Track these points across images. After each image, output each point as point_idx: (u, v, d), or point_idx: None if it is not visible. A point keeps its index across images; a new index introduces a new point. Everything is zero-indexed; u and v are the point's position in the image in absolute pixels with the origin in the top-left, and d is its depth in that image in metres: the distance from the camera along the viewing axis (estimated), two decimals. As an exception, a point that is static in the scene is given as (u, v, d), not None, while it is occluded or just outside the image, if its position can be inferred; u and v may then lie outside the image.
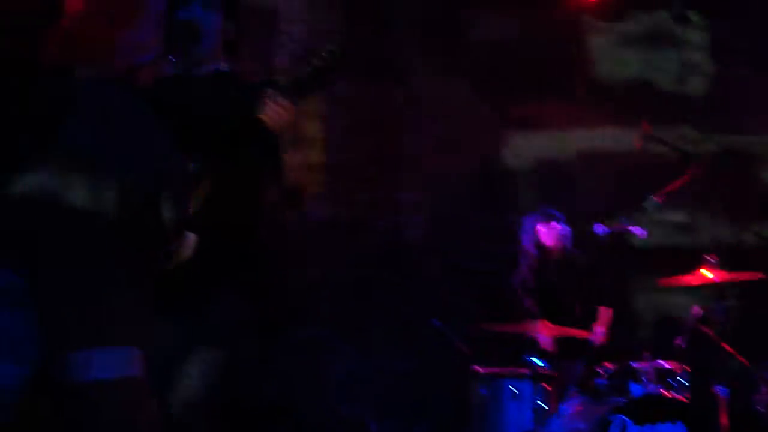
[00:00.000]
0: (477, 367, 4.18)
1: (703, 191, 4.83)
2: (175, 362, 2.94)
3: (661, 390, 3.80)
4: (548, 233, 4.50)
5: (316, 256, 5.05)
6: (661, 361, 3.91)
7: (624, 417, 3.67)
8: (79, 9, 4.83)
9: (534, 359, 4.09)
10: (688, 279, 4.04)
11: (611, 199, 4.99)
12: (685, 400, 3.78)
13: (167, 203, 1.98)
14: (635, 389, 3.83)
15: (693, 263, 4.05)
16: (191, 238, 2.89)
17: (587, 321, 4.38)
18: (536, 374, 4.04)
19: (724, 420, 3.88)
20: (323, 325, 5.04)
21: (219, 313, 2.97)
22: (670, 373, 3.87)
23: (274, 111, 2.78)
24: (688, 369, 3.90)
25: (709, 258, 3.99)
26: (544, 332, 4.24)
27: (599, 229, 4.12)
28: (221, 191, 2.96)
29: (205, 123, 2.99)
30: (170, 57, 3.00)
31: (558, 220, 4.49)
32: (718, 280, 3.96)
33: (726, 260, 4.05)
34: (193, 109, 3.02)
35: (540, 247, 4.52)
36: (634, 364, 3.90)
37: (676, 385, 3.83)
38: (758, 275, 4.01)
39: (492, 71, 5.23)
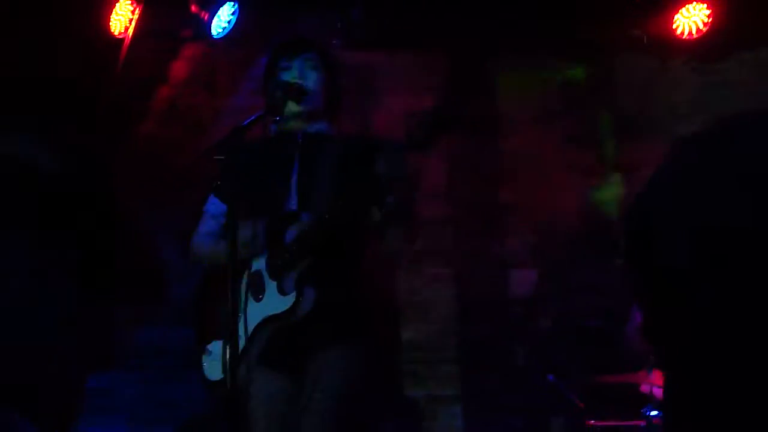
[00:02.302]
0: (592, 422, 4.11)
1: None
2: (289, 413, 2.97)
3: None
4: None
5: (422, 311, 5.04)
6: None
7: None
8: (182, 78, 5.01)
9: (650, 411, 4.00)
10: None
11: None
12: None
13: None
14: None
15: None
16: (312, 290, 2.96)
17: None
18: (652, 426, 3.94)
19: None
20: (431, 385, 5.01)
21: (343, 368, 2.99)
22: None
23: (396, 168, 2.81)
24: None
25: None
26: (660, 383, 4.12)
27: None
28: (338, 247, 3.02)
29: (327, 179, 3.06)
30: (276, 117, 3.07)
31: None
32: None
33: None
34: (313, 166, 3.10)
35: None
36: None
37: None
38: None
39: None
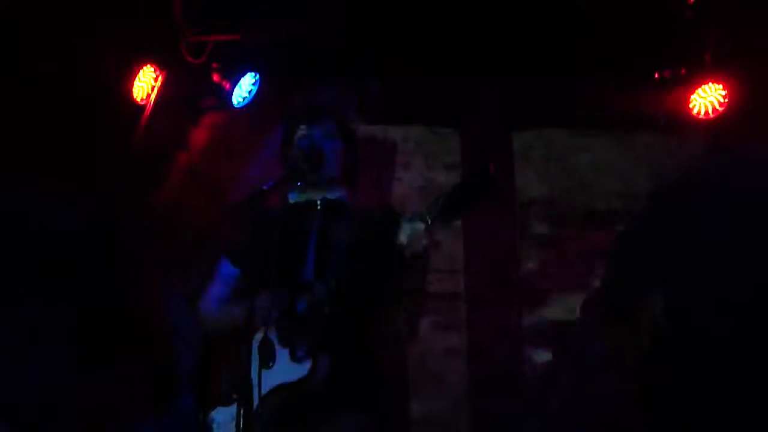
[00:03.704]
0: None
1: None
2: None
3: None
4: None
5: (434, 384, 4.99)
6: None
7: None
8: (202, 145, 5.05)
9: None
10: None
11: None
12: None
13: None
14: None
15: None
16: (326, 359, 2.93)
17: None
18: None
19: None
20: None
21: None
22: None
23: (413, 239, 2.80)
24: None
25: None
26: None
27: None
28: (351, 316, 3.00)
29: (343, 249, 3.05)
30: (297, 183, 3.08)
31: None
32: None
33: None
34: (330, 235, 3.10)
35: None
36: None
37: None
38: None
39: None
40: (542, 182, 5.26)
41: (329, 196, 3.21)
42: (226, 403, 2.93)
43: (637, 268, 1.52)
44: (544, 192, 5.25)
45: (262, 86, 4.79)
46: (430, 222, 2.78)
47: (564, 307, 5.10)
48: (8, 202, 1.04)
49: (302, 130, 3.19)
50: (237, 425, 2.71)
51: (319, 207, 3.18)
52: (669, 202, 1.62)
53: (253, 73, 4.77)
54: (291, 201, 3.22)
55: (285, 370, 2.95)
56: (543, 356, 5.07)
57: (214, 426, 2.98)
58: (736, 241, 1.42)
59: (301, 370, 2.92)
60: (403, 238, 2.80)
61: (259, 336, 2.94)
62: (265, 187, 2.88)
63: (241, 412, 2.66)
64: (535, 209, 5.23)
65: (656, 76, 4.89)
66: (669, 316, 1.36)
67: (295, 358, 2.95)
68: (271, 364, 2.96)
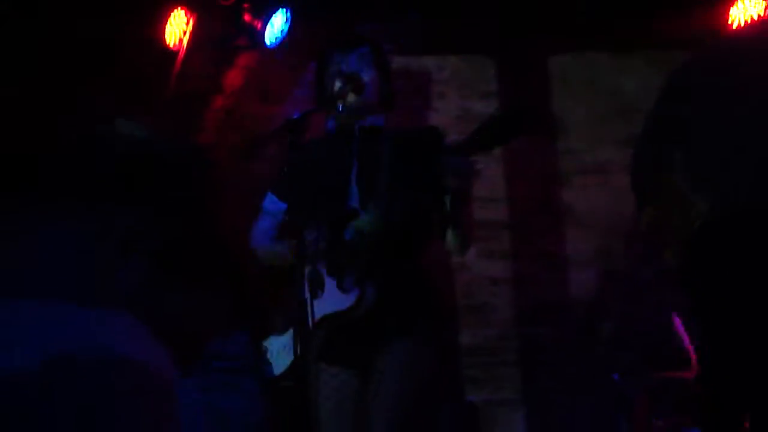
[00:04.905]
0: (659, 421, 4.03)
1: None
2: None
3: None
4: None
5: (480, 314, 5.00)
6: None
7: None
8: (236, 87, 5.04)
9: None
10: None
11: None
12: None
13: None
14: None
15: None
16: (372, 287, 2.95)
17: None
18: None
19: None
20: (490, 390, 4.97)
21: (407, 363, 2.97)
22: None
23: (459, 169, 2.78)
24: None
25: None
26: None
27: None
28: (398, 244, 3.01)
29: (386, 175, 3.05)
30: (338, 108, 3.07)
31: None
32: None
33: None
34: (371, 161, 3.09)
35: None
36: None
37: None
38: None
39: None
40: (581, 106, 5.19)
41: (366, 122, 3.19)
42: (280, 332, 2.96)
43: (657, 132, 1.53)
44: (584, 115, 5.19)
45: (294, 24, 4.75)
46: (472, 150, 2.76)
47: (608, 232, 5.07)
48: (100, 125, 1.07)
49: (339, 56, 3.16)
50: (294, 351, 2.74)
51: (357, 134, 3.17)
52: (685, 74, 1.63)
53: (284, 11, 4.73)
54: (329, 129, 3.21)
55: (334, 299, 2.97)
56: (589, 282, 5.06)
57: (268, 354, 3.02)
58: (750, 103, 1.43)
59: (349, 299, 2.94)
60: (445, 172, 2.78)
61: (309, 267, 2.96)
62: (296, 116, 2.85)
63: (297, 339, 2.68)
64: (574, 133, 5.18)
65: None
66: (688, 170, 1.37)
67: (342, 288, 2.96)
68: (320, 293, 2.99)
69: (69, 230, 0.98)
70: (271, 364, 3.01)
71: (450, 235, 3.04)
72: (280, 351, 2.94)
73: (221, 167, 4.88)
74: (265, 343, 3.06)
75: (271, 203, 3.23)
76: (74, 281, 0.96)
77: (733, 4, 4.78)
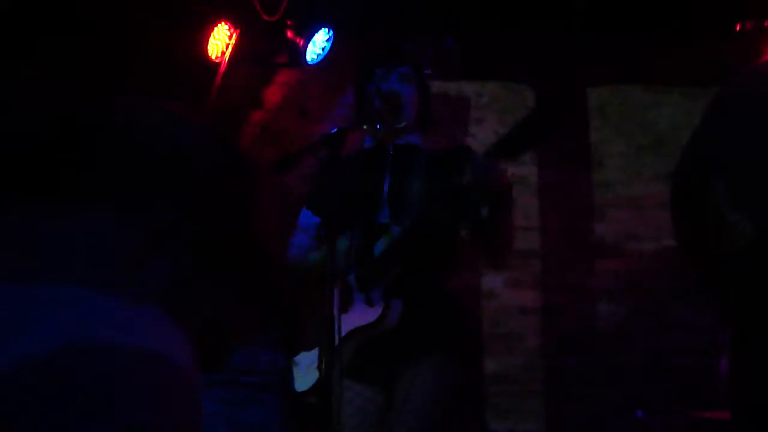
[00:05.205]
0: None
1: None
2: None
3: None
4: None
5: (507, 342, 4.98)
6: None
7: None
8: (275, 103, 5.07)
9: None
10: None
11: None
12: None
13: None
14: None
15: None
16: (399, 303, 2.93)
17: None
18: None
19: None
20: (515, 419, 4.93)
21: (432, 382, 2.95)
22: None
23: (484, 175, 2.76)
24: None
25: None
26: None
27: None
28: (426, 259, 3.00)
29: (417, 190, 3.05)
30: (376, 126, 3.08)
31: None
32: None
33: None
34: (404, 177, 3.09)
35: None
36: None
37: None
38: None
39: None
40: (619, 139, 5.18)
41: (402, 140, 3.20)
42: (309, 348, 2.96)
43: (699, 160, 1.52)
44: (621, 149, 5.17)
45: (335, 43, 4.79)
46: (497, 155, 2.75)
47: (640, 267, 5.03)
48: (139, 115, 1.06)
49: (380, 72, 3.17)
50: (318, 368, 2.73)
51: (391, 151, 3.18)
52: (725, 101, 1.63)
53: (327, 30, 4.77)
54: (366, 146, 3.22)
55: (361, 314, 2.96)
56: (617, 315, 5.02)
57: (295, 369, 3.01)
58: None
59: (374, 313, 2.93)
60: (471, 173, 2.77)
61: (339, 282, 2.95)
62: (333, 131, 2.85)
63: (322, 355, 2.67)
64: (611, 166, 5.16)
65: (737, 27, 4.76)
66: (731, 199, 1.37)
67: (370, 302, 2.95)
68: (348, 308, 2.98)
69: (98, 218, 0.97)
70: (297, 379, 3.01)
71: (486, 245, 3.01)
72: (308, 367, 2.94)
73: (260, 172, 4.88)
74: (296, 359, 3.05)
75: (305, 218, 3.24)
76: (102, 270, 0.95)
77: (771, 39, 4.76)
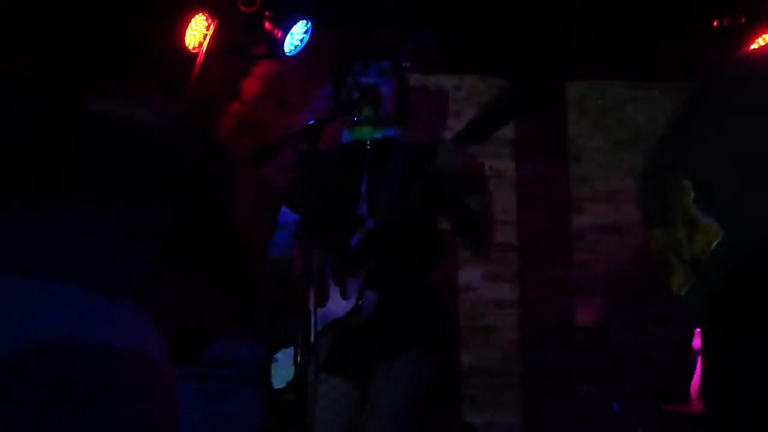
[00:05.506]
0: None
1: None
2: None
3: None
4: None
5: (484, 336, 4.99)
6: None
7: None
8: (253, 94, 5.05)
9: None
10: None
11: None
12: None
13: None
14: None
15: None
16: (373, 295, 2.92)
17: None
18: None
19: None
20: (491, 412, 4.94)
21: (407, 376, 2.94)
22: None
23: (454, 159, 2.76)
24: None
25: None
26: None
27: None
28: (401, 252, 2.99)
29: (393, 183, 3.04)
30: (354, 118, 3.07)
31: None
32: None
33: None
34: (381, 170, 3.08)
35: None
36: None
37: None
38: None
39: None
40: (597, 133, 5.19)
41: (379, 134, 3.19)
42: (288, 344, 2.95)
43: (668, 159, 1.53)
44: (599, 143, 5.19)
45: (313, 35, 4.76)
46: (464, 139, 2.74)
47: (617, 261, 5.05)
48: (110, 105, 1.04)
49: (359, 67, 3.15)
50: (294, 363, 2.72)
51: (368, 146, 3.17)
52: (694, 100, 1.65)
53: (304, 21, 4.74)
54: (344, 140, 3.21)
55: (336, 307, 2.95)
56: (594, 309, 5.03)
57: (273, 366, 3.00)
58: (754, 125, 1.44)
59: (348, 306, 2.92)
60: (438, 160, 2.76)
61: (316, 276, 2.94)
62: (311, 123, 2.84)
63: (297, 351, 2.67)
64: (588, 160, 5.17)
65: (715, 24, 4.77)
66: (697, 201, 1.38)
67: (345, 295, 2.94)
68: (325, 302, 2.97)
69: (67, 210, 0.95)
70: (275, 377, 3.00)
71: (470, 236, 3.01)
72: (286, 363, 2.92)
73: (238, 163, 4.86)
74: (276, 356, 3.03)
75: (284, 215, 3.22)
76: (72, 264, 0.94)
77: (754, 40, 4.77)
